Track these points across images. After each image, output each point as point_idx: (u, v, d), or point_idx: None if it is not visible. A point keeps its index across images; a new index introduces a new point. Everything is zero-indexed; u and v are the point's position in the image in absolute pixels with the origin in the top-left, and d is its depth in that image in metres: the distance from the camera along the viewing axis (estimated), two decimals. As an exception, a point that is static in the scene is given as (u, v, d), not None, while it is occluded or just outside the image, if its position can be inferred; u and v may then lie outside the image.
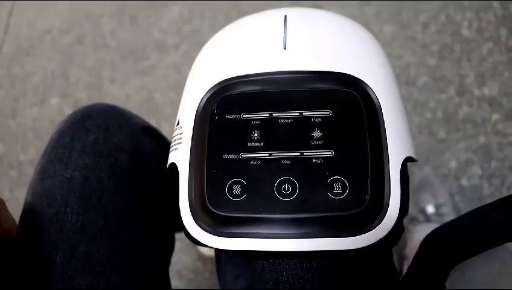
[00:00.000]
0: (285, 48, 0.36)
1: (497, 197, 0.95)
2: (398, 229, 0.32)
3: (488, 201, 0.95)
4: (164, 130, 0.59)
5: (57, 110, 1.30)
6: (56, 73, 1.37)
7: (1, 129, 1.33)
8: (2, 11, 1.54)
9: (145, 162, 0.48)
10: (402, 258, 0.93)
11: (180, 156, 0.35)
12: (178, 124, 0.38)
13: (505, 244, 0.35)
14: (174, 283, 1.01)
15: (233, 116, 0.34)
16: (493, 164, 1.00)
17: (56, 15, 1.47)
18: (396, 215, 0.31)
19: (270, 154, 0.32)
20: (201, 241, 0.33)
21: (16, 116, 1.33)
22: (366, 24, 1.20)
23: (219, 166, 0.32)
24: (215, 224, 0.32)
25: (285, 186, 0.31)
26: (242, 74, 0.35)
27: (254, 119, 0.33)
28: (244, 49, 0.37)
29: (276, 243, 0.31)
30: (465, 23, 1.16)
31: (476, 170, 1.01)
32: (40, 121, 1.31)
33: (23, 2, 1.54)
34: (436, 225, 0.40)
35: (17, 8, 1.54)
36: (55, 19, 1.46)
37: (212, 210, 0.32)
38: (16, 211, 0.43)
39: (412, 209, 0.98)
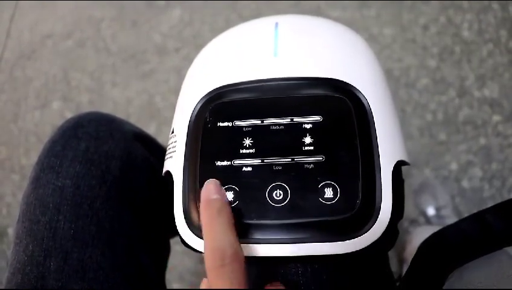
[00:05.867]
0: (276, 55, 0.36)
1: (498, 199, 0.95)
2: (391, 233, 0.32)
3: (489, 203, 0.95)
4: (164, 134, 0.60)
5: (59, 114, 1.31)
6: (57, 77, 1.37)
7: (3, 133, 1.33)
8: (3, 15, 1.55)
9: (136, 169, 0.48)
10: (402, 260, 0.93)
11: (175, 164, 0.35)
12: (172, 132, 0.38)
13: (503, 248, 0.35)
14: (176, 286, 1.02)
15: (225, 123, 0.34)
16: (494, 166, 1.00)
17: (57, 19, 1.48)
18: (388, 219, 0.31)
19: (262, 161, 0.32)
20: (196, 247, 0.33)
21: (17, 120, 1.34)
22: (366, 27, 1.20)
23: (212, 173, 0.33)
24: None
25: (277, 192, 0.31)
26: (234, 82, 0.35)
27: (246, 127, 0.33)
28: (236, 58, 0.38)
29: (268, 249, 0.31)
30: (465, 25, 1.16)
31: (477, 172, 1.00)
32: (41, 125, 1.31)
33: (24, 6, 1.55)
34: (437, 228, 0.40)
35: (19, 12, 1.55)
36: (57, 24, 1.47)
37: None
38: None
39: (412, 212, 0.98)
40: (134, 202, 0.46)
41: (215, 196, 0.30)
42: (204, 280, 0.30)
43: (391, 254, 0.91)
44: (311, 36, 0.38)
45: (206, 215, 0.30)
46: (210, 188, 0.31)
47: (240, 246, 0.29)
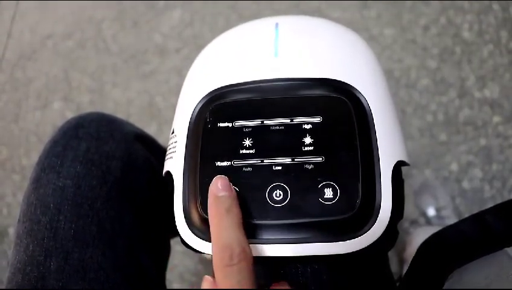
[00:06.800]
0: (276, 56, 0.36)
1: (499, 199, 0.95)
2: (391, 233, 0.32)
3: (490, 204, 0.95)
4: (165, 135, 0.60)
5: (60, 115, 1.31)
6: (58, 77, 1.37)
7: (4, 133, 1.33)
8: (4, 16, 1.56)
9: (137, 169, 0.48)
10: (402, 261, 0.93)
11: (175, 164, 0.35)
12: (173, 132, 0.38)
13: (503, 249, 0.35)
14: (176, 285, 1.02)
15: (225, 124, 0.34)
16: (494, 167, 1.00)
17: (58, 20, 1.48)
18: (388, 220, 0.31)
19: (262, 161, 0.32)
20: (196, 248, 0.33)
21: (18, 120, 1.34)
22: (366, 27, 1.20)
23: (212, 174, 0.33)
24: (209, 231, 0.32)
25: (277, 193, 0.31)
26: (234, 83, 0.35)
27: (246, 127, 0.34)
28: (236, 58, 0.38)
29: (268, 249, 0.31)
30: (466, 26, 1.16)
31: (477, 173, 1.00)
32: (42, 125, 1.31)
33: (25, 7, 1.55)
34: (437, 228, 0.40)
35: (20, 13, 1.55)
36: (57, 24, 1.47)
37: (205, 217, 0.32)
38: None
39: (412, 212, 0.98)
40: (134, 202, 0.47)
41: (223, 193, 0.30)
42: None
43: (391, 254, 0.91)
44: (312, 37, 0.38)
45: (214, 213, 0.30)
46: (218, 184, 0.30)
47: (248, 244, 0.29)
